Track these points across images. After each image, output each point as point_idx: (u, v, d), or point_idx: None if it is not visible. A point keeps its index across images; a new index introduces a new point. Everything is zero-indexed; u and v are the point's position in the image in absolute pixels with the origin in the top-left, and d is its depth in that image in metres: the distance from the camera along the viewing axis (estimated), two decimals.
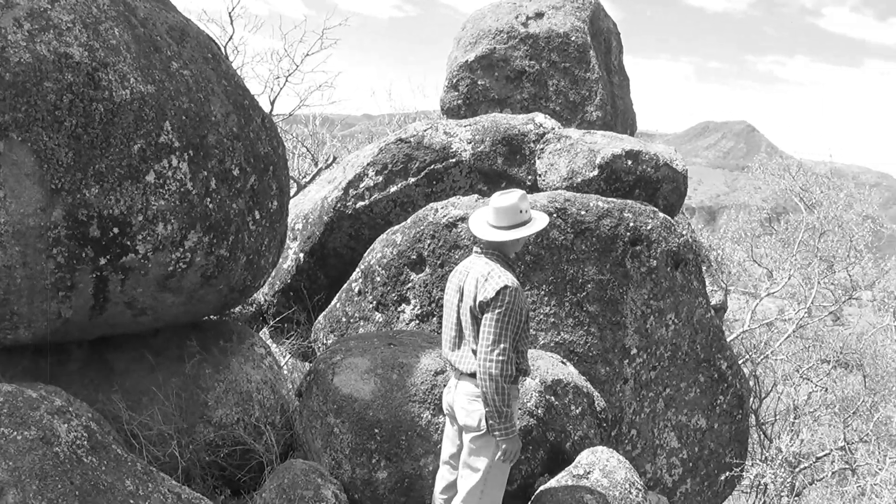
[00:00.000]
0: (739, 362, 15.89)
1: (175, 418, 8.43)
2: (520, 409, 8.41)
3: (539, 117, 13.82)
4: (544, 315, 10.67)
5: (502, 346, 6.75)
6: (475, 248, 7.28)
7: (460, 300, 7.17)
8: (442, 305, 9.43)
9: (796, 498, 16.32)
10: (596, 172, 12.50)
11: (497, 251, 7.17)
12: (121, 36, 7.01)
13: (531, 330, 10.60)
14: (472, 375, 7.01)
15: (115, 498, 6.10)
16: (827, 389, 22.77)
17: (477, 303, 6.91)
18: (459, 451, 7.38)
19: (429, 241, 10.86)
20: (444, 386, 7.89)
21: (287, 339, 12.67)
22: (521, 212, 7.15)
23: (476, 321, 6.97)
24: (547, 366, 9.13)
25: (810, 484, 18.71)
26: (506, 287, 6.79)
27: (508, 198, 7.15)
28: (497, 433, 6.89)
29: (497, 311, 6.77)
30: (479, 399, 6.95)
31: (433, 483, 7.83)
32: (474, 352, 6.97)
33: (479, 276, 6.98)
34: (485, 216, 7.27)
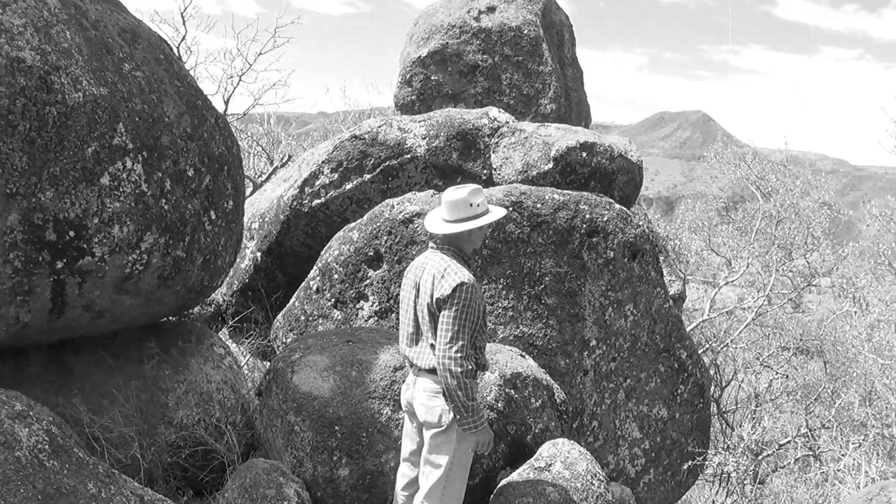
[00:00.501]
0: (699, 351, 15.98)
1: (136, 420, 8.42)
2: (480, 402, 8.46)
3: (493, 111, 13.85)
4: (503, 309, 10.70)
5: (461, 342, 6.77)
6: (430, 244, 7.30)
7: (416, 296, 7.18)
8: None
9: (759, 485, 16.42)
10: (551, 165, 12.53)
11: (453, 246, 7.18)
12: (72, 39, 6.99)
13: (490, 324, 10.64)
14: (431, 371, 7.04)
15: (78, 501, 6.09)
16: (788, 377, 22.90)
17: (434, 299, 6.91)
18: (420, 448, 7.40)
19: (385, 238, 10.87)
20: (404, 382, 7.92)
21: (246, 338, 12.65)
22: (471, 205, 7.14)
23: (433, 318, 6.97)
24: (506, 359, 9.16)
25: (773, 471, 18.81)
26: (462, 283, 6.80)
27: (459, 192, 7.18)
28: (467, 427, 6.92)
29: (454, 307, 6.78)
30: (439, 395, 6.98)
31: (395, 479, 7.85)
32: (433, 347, 6.97)
33: (435, 273, 6.98)
34: (439, 211, 7.28)
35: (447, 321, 6.81)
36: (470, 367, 6.79)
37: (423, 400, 7.11)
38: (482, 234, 7.34)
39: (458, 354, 6.75)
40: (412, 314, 7.26)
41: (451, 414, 7.02)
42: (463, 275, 6.87)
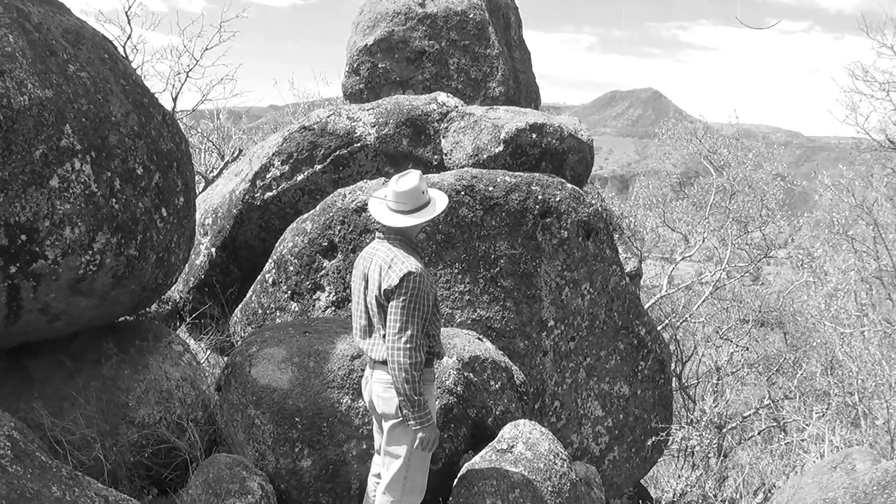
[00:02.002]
0: (659, 327, 16.07)
1: (97, 421, 8.41)
2: (439, 387, 8.48)
3: (441, 96, 13.87)
4: (459, 293, 10.73)
5: (409, 332, 6.77)
6: (377, 234, 7.28)
7: (365, 288, 7.17)
8: None
9: (724, 458, 16.51)
10: (501, 148, 12.57)
11: (400, 235, 7.16)
12: (16, 42, 6.96)
13: (447, 308, 10.66)
14: (385, 363, 7.03)
15: None
16: (748, 349, 23.01)
17: (382, 290, 6.91)
18: None
19: (339, 227, 10.87)
20: (362, 371, 7.93)
21: (205, 334, 12.64)
22: (422, 193, 7.16)
23: (382, 309, 6.98)
24: (463, 343, 9.19)
25: (738, 444, 18.88)
26: (409, 273, 6.79)
27: (409, 180, 7.15)
28: (412, 422, 6.92)
29: (402, 298, 6.78)
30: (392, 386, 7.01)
31: (358, 468, 7.89)
32: (384, 338, 7.00)
33: (382, 264, 6.97)
34: (384, 202, 7.23)
35: (395, 312, 6.80)
36: (419, 358, 6.79)
37: (380, 392, 7.12)
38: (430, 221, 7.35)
39: (408, 345, 6.76)
40: (363, 306, 7.25)
41: None
42: (410, 264, 6.86)
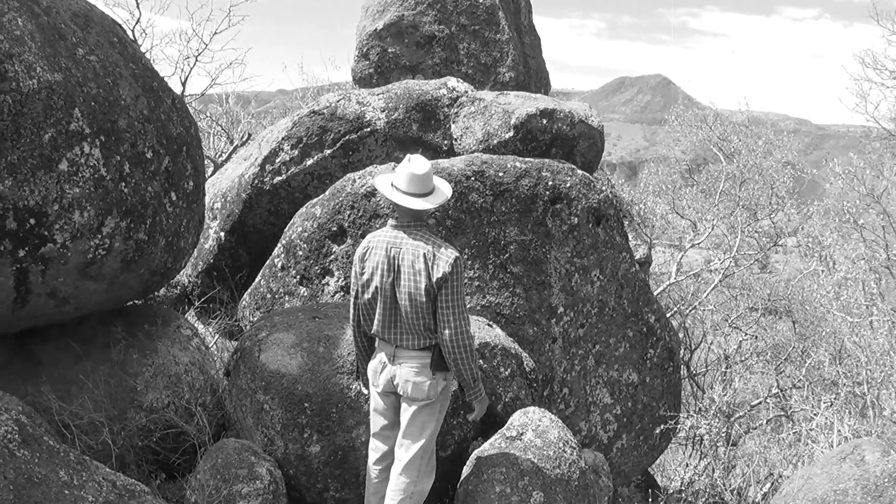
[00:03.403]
0: (668, 315, 16.01)
1: (105, 406, 8.40)
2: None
3: (451, 81, 13.82)
4: (469, 279, 10.69)
5: (466, 315, 7.01)
6: (392, 221, 7.27)
7: (396, 278, 7.16)
8: None
9: (733, 447, 16.47)
10: (511, 133, 12.53)
11: (418, 221, 7.19)
12: (24, 26, 6.93)
13: None
14: (422, 349, 7.16)
15: (50, 490, 6.08)
16: (757, 337, 22.94)
17: (434, 280, 6.96)
18: (392, 423, 7.49)
19: (349, 212, 10.84)
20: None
21: (213, 319, 12.62)
22: (434, 175, 7.30)
23: (430, 298, 7.03)
24: (473, 329, 9.17)
25: (746, 433, 18.85)
26: (457, 258, 6.97)
27: (423, 162, 7.19)
28: (476, 397, 7.32)
29: (456, 283, 6.94)
30: (426, 370, 7.14)
31: (367, 454, 7.86)
32: (426, 328, 7.11)
33: (425, 252, 7.02)
34: (400, 185, 7.19)
35: (453, 298, 6.97)
36: (475, 340, 7.16)
37: (411, 377, 7.18)
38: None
39: (468, 326, 7.00)
40: (389, 296, 7.24)
41: (439, 388, 7.21)
42: (454, 249, 7.04)
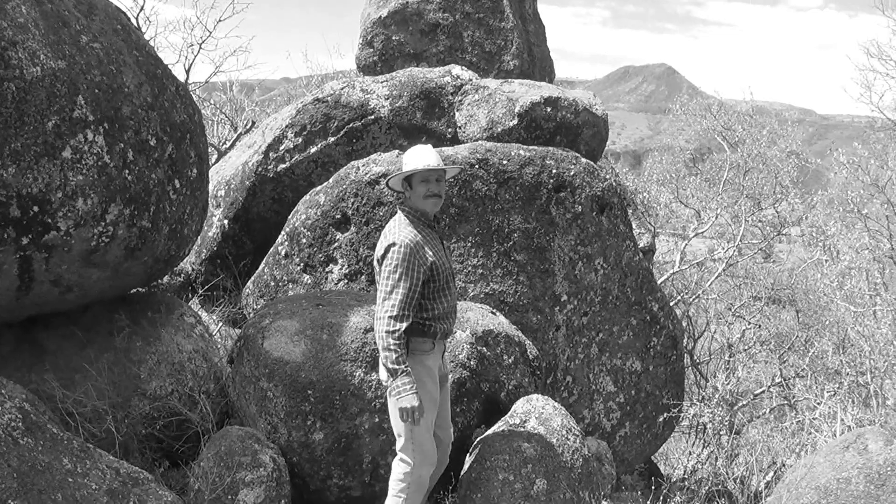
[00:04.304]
0: (671, 303, 16.02)
1: (109, 393, 8.41)
2: (452, 361, 8.47)
3: (456, 69, 13.82)
4: (472, 266, 10.70)
5: (390, 303, 6.86)
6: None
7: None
8: (370, 264, 9.54)
9: (736, 436, 16.47)
10: (515, 121, 12.53)
11: (407, 206, 7.29)
12: (28, 13, 6.92)
13: (460, 283, 10.63)
14: None
15: (54, 477, 6.09)
16: (760, 326, 22.95)
17: (375, 260, 7.10)
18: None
19: (352, 200, 10.84)
20: (374, 343, 7.91)
21: (217, 306, 12.63)
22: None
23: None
24: (477, 317, 9.18)
25: (749, 421, 18.85)
26: (392, 245, 6.93)
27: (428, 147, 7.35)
28: (390, 391, 7.04)
29: (386, 268, 6.91)
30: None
31: (370, 441, 7.90)
32: None
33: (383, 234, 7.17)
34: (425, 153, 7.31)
35: (380, 281, 6.96)
36: (397, 327, 6.83)
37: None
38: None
39: (387, 314, 6.84)
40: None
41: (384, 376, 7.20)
42: (396, 236, 6.98)
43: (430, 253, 7.09)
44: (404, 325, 6.87)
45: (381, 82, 13.51)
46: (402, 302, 6.87)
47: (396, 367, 6.81)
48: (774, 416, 19.06)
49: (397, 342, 6.83)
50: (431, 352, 7.27)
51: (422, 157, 7.17)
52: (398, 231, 6.99)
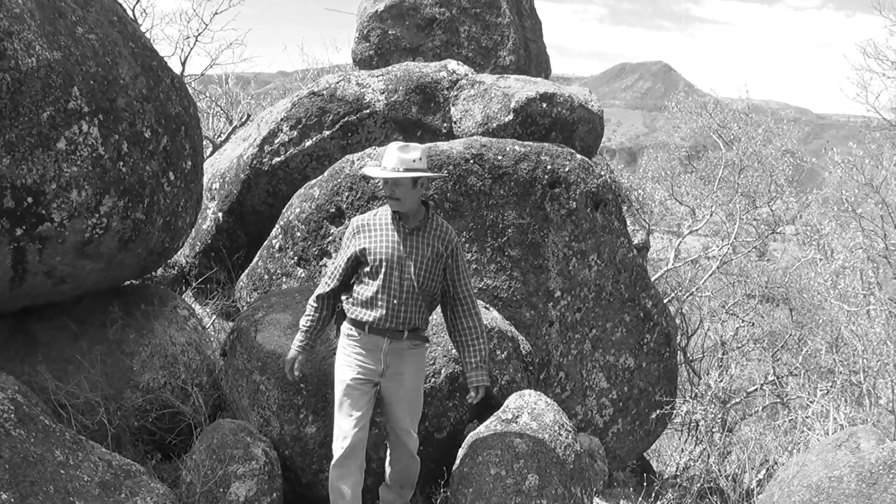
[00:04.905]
0: (665, 301, 16.02)
1: (102, 385, 8.41)
2: (444, 356, 8.48)
3: (452, 64, 13.81)
4: (466, 262, 10.70)
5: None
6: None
7: None
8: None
9: (728, 433, 16.50)
10: (511, 117, 12.52)
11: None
12: (24, 4, 6.91)
13: None
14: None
15: (46, 469, 6.09)
16: (754, 324, 22.96)
17: None
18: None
19: (347, 194, 10.84)
20: None
21: (210, 299, 12.62)
22: (413, 161, 7.18)
23: None
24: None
25: (742, 419, 18.90)
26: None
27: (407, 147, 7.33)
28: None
29: None
30: None
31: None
32: None
33: None
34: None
35: None
36: (317, 293, 7.43)
37: None
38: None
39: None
40: None
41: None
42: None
43: (368, 237, 7.21)
44: (322, 291, 7.36)
45: (377, 76, 13.51)
46: (330, 272, 7.32)
47: (299, 330, 7.43)
48: (767, 414, 19.12)
49: (310, 305, 7.40)
50: (358, 342, 7.30)
51: (384, 159, 7.18)
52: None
